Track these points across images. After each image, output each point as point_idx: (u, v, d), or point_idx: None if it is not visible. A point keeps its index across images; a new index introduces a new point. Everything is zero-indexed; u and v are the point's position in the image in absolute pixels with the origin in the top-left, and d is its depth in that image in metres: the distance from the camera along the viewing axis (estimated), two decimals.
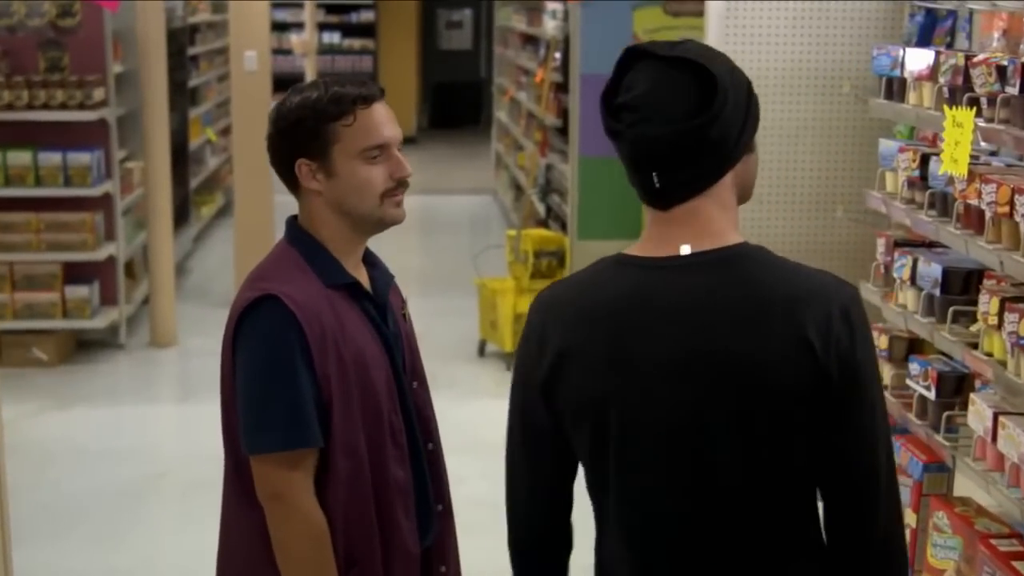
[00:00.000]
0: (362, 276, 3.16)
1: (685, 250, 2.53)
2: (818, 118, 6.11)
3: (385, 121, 3.04)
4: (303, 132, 3.01)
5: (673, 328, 2.49)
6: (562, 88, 10.86)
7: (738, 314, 2.46)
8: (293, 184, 3.09)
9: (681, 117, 2.49)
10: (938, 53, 4.14)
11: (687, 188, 2.54)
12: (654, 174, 2.54)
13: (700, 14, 10.11)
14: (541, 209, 11.77)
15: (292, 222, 3.14)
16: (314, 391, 2.97)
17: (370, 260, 3.20)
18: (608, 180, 9.89)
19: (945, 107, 3.85)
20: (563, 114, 10.88)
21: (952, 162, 3.72)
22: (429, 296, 11.50)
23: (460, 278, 11.23)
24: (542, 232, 10.03)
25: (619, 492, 2.55)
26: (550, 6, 11.85)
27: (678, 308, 2.50)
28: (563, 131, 10.84)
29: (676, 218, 2.56)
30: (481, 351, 9.70)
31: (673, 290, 2.51)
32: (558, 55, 10.91)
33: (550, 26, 11.67)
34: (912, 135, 5.50)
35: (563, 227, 10.62)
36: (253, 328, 2.99)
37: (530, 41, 13.67)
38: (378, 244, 3.23)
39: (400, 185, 3.05)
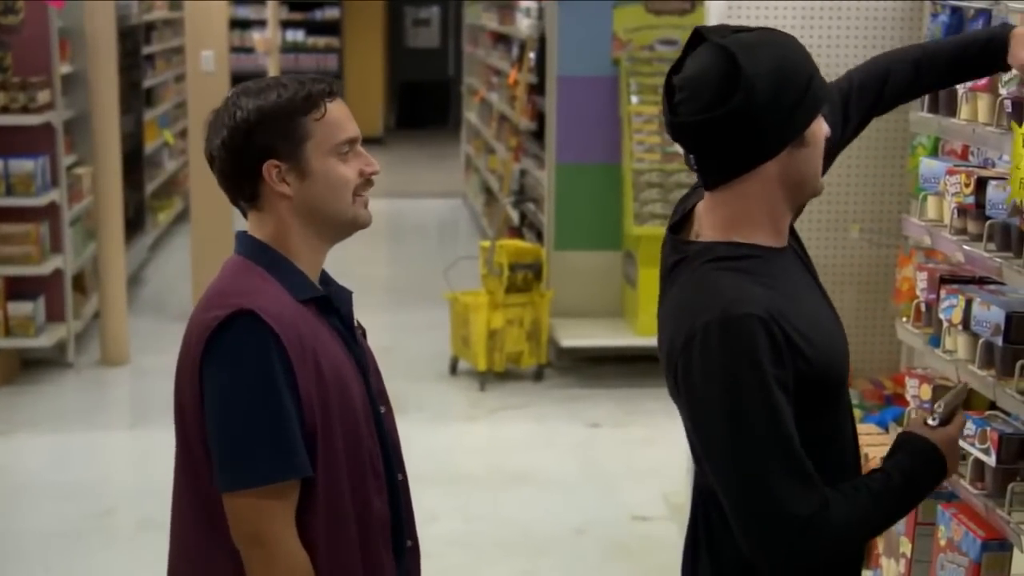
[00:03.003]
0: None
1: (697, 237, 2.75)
2: None
3: (349, 115, 2.88)
4: (271, 130, 2.78)
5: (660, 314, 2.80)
6: (537, 90, 10.45)
7: (664, 314, 2.76)
8: (252, 194, 2.84)
9: (705, 107, 2.60)
10: None
11: (715, 175, 2.68)
12: (691, 156, 2.69)
13: (683, 12, 9.85)
14: (515, 216, 11.40)
15: (246, 236, 2.89)
16: (298, 414, 2.74)
17: (324, 278, 2.97)
18: (586, 188, 9.56)
19: (1014, 124, 3.31)
20: (538, 118, 10.48)
21: (1022, 188, 3.18)
22: (397, 309, 11.11)
23: (430, 289, 10.77)
24: (517, 243, 9.60)
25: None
26: (524, 4, 11.54)
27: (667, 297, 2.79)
28: (538, 135, 10.43)
29: (712, 202, 2.73)
30: (453, 369, 9.24)
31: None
32: (533, 55, 10.52)
33: (524, 25, 11.32)
34: (937, 149, 4.99)
35: (538, 235, 10.23)
36: (228, 348, 2.72)
37: (502, 40, 13.45)
38: (343, 251, 3.10)
39: (368, 183, 2.90)
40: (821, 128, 2.68)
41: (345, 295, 2.97)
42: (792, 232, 2.83)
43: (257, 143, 2.78)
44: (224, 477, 2.72)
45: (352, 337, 2.93)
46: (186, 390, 2.79)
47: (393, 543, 2.94)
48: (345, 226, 2.88)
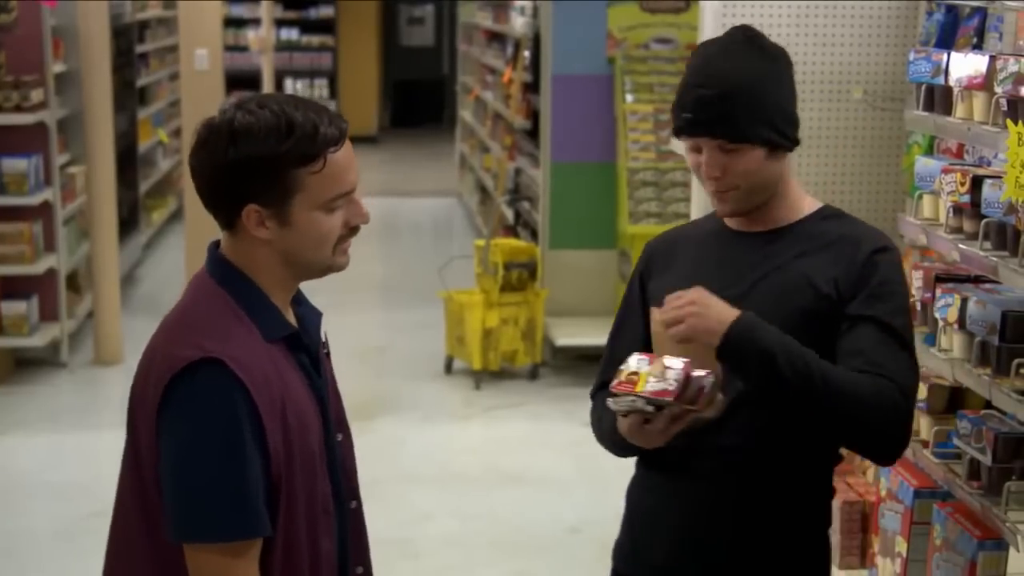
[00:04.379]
0: (290, 317, 2.78)
1: None
2: (824, 127, 5.61)
3: (351, 163, 2.67)
4: (260, 176, 2.59)
5: None
6: (532, 89, 10.43)
7: None
8: (228, 223, 2.68)
9: None
10: (993, 58, 3.60)
11: None
12: None
13: (678, 11, 9.83)
14: (509, 215, 11.39)
15: (219, 256, 2.72)
16: (264, 466, 2.60)
17: (296, 297, 2.82)
18: (580, 187, 9.53)
19: (1009, 123, 3.29)
20: (533, 116, 10.46)
21: (1018, 187, 3.17)
22: (391, 308, 11.10)
23: (424, 288, 10.73)
24: (512, 242, 9.59)
25: None
26: (518, 3, 11.53)
27: None
28: (533, 134, 10.41)
29: None
30: (448, 368, 9.21)
31: None
32: (527, 54, 10.50)
33: (518, 23, 11.29)
34: (932, 147, 4.97)
35: (533, 234, 10.21)
36: (191, 399, 2.57)
37: (496, 38, 13.44)
38: None
39: (353, 232, 2.72)
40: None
41: (315, 320, 2.84)
42: None
43: (242, 187, 2.62)
44: (176, 526, 2.60)
45: (316, 370, 2.79)
46: (144, 426, 2.67)
47: (342, 572, 2.84)
48: (319, 272, 2.75)
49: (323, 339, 2.86)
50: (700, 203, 5.97)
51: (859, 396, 2.83)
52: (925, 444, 3.89)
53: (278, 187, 2.60)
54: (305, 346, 2.76)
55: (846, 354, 2.90)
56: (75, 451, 7.76)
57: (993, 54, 3.73)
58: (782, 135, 2.98)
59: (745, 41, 3.02)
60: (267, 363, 2.64)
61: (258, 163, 2.58)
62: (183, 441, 2.57)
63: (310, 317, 2.83)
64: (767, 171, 2.99)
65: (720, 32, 5.57)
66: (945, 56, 3.92)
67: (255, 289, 2.69)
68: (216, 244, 2.75)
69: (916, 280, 3.99)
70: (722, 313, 2.85)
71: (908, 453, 3.98)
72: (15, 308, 8.89)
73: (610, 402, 2.88)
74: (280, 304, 2.73)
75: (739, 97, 2.94)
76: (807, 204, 3.11)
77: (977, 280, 3.84)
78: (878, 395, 2.84)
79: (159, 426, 2.62)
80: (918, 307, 4.00)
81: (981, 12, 4.60)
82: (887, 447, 2.94)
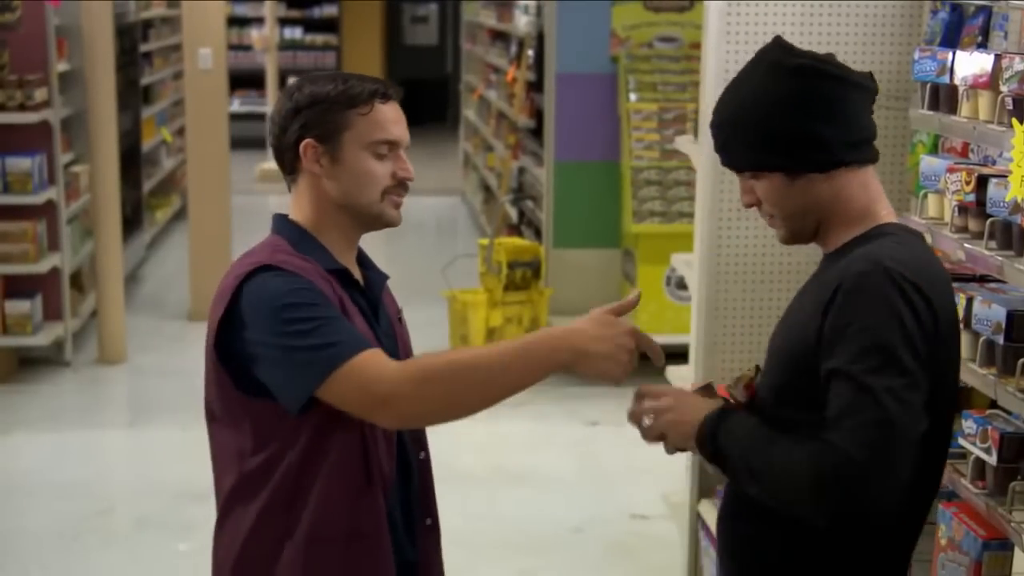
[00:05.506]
0: (355, 273, 3.10)
1: None
2: None
3: (398, 120, 3.03)
4: (317, 112, 2.98)
5: None
6: (536, 87, 10.42)
7: None
8: (291, 167, 3.04)
9: None
10: (998, 57, 3.58)
11: None
12: None
13: (682, 10, 9.82)
14: (513, 214, 11.38)
15: (280, 216, 3.10)
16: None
17: (364, 262, 3.15)
18: (584, 186, 9.54)
19: (1015, 122, 3.28)
20: (537, 115, 10.46)
21: (1023, 186, 3.16)
22: None
23: (428, 287, 10.71)
24: (516, 241, 9.57)
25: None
26: (522, 1, 11.51)
27: None
28: (537, 133, 10.41)
29: None
30: None
31: None
32: (531, 52, 10.50)
33: (522, 22, 11.28)
34: (937, 146, 4.96)
35: (536, 233, 10.19)
36: (259, 288, 2.86)
37: (500, 37, 13.42)
38: None
39: (401, 186, 3.03)
40: None
41: (380, 280, 3.13)
42: None
43: (301, 120, 2.98)
44: (310, 372, 2.78)
45: (375, 316, 3.05)
46: (209, 360, 2.93)
47: (409, 518, 3.05)
48: (371, 219, 3.03)
49: (398, 308, 3.20)
50: (704, 202, 5.96)
51: (794, 479, 2.62)
52: None
53: (331, 122, 2.95)
54: (358, 287, 3.04)
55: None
56: (78, 450, 7.77)
57: (998, 53, 3.72)
58: (799, 158, 2.80)
59: (766, 61, 2.87)
60: (323, 282, 2.90)
61: (314, 101, 2.96)
62: (267, 311, 2.81)
63: (375, 278, 3.12)
64: (797, 195, 2.84)
65: (723, 31, 5.62)
66: (950, 55, 3.90)
67: (308, 234, 3.00)
68: (277, 213, 3.09)
69: None
70: (696, 414, 2.81)
71: None
72: (19, 307, 8.87)
73: None
74: (332, 247, 3.01)
75: (730, 127, 2.87)
76: (869, 222, 2.86)
77: (982, 279, 3.82)
78: (810, 467, 2.59)
79: (227, 345, 2.87)
80: None
81: (986, 11, 4.58)
82: (822, 515, 2.62)
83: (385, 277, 3.16)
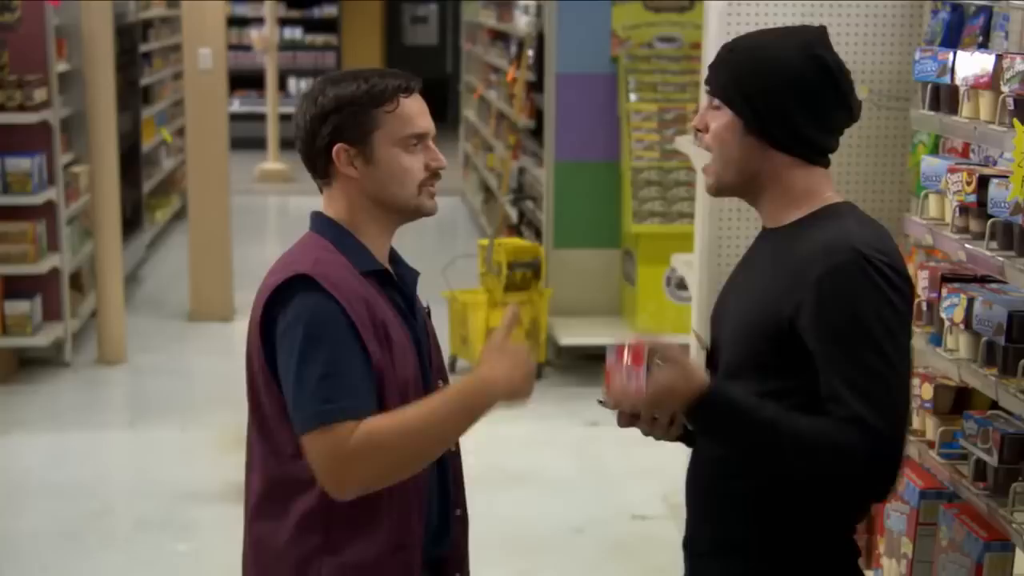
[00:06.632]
0: (391, 271, 3.16)
1: None
2: None
3: (423, 111, 3.10)
4: (346, 116, 3.01)
5: None
6: (536, 88, 10.41)
7: None
8: (324, 172, 3.07)
9: None
10: (999, 57, 3.58)
11: None
12: None
13: (682, 10, 9.81)
14: (513, 214, 11.36)
15: (318, 214, 3.13)
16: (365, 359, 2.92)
17: (394, 257, 3.20)
18: (584, 186, 9.53)
19: (1016, 122, 3.28)
20: (537, 115, 10.45)
21: None
22: None
23: (428, 287, 10.61)
24: (516, 241, 9.57)
25: None
26: (522, 1, 11.49)
27: None
28: (537, 133, 10.40)
29: None
30: (452, 368, 9.17)
31: None
32: (531, 53, 10.49)
33: (522, 22, 11.27)
34: (938, 147, 4.96)
35: (536, 234, 10.18)
36: (287, 307, 2.92)
37: (500, 37, 13.39)
38: None
39: (435, 176, 3.11)
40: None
41: (412, 275, 3.18)
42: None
43: (330, 125, 3.01)
44: (314, 409, 2.85)
45: (412, 313, 3.10)
46: (253, 358, 2.99)
47: (441, 510, 3.13)
48: (408, 212, 3.10)
49: (425, 304, 3.23)
50: (704, 202, 5.96)
51: (818, 447, 2.72)
52: (931, 445, 3.88)
53: (359, 124, 2.99)
54: (396, 285, 3.09)
55: (824, 400, 2.75)
56: (78, 451, 7.76)
57: (999, 53, 3.72)
58: (765, 121, 2.87)
59: (802, 37, 2.92)
60: (358, 287, 2.95)
61: (340, 105, 2.99)
62: (291, 345, 2.87)
63: (407, 275, 3.17)
64: (741, 148, 2.90)
65: (723, 31, 5.62)
66: (951, 55, 3.90)
67: (345, 231, 3.04)
68: (316, 211, 3.14)
69: (922, 280, 3.98)
70: (690, 391, 2.82)
71: (914, 454, 3.97)
72: (19, 307, 8.86)
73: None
74: (372, 246, 3.06)
75: (735, 58, 2.93)
76: (816, 201, 2.92)
77: (983, 280, 3.83)
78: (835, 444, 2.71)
79: (267, 348, 2.94)
80: (924, 307, 3.99)
81: (987, 11, 4.59)
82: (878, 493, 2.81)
83: (416, 273, 3.21)
